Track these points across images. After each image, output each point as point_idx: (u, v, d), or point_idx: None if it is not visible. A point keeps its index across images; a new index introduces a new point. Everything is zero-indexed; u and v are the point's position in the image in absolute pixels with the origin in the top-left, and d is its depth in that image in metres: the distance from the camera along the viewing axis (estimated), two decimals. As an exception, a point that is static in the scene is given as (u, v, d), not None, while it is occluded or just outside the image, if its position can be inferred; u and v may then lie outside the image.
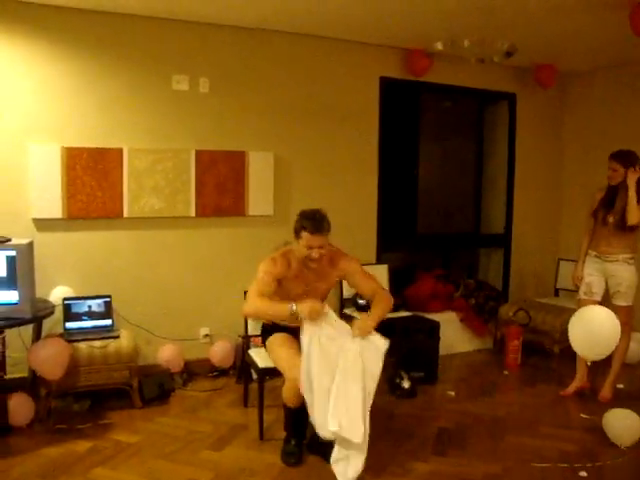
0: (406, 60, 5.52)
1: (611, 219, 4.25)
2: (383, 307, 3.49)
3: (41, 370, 3.73)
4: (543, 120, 6.52)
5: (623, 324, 4.22)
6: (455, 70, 5.65)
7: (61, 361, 3.75)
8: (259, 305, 3.33)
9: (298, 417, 3.46)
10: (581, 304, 4.39)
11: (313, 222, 3.28)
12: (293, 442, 3.49)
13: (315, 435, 3.09)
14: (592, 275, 4.40)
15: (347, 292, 5.18)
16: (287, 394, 3.43)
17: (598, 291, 4.38)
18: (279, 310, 3.30)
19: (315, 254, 3.30)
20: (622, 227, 4.20)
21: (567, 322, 4.78)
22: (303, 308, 3.20)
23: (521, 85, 6.28)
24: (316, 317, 3.22)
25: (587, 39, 5.03)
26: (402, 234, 6.29)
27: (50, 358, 3.71)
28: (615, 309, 4.28)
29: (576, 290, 4.58)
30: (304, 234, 3.28)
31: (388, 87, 5.57)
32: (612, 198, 4.29)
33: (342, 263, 3.54)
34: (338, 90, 5.33)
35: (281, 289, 3.46)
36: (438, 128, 6.68)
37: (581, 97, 6.43)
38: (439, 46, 3.61)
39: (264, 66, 4.98)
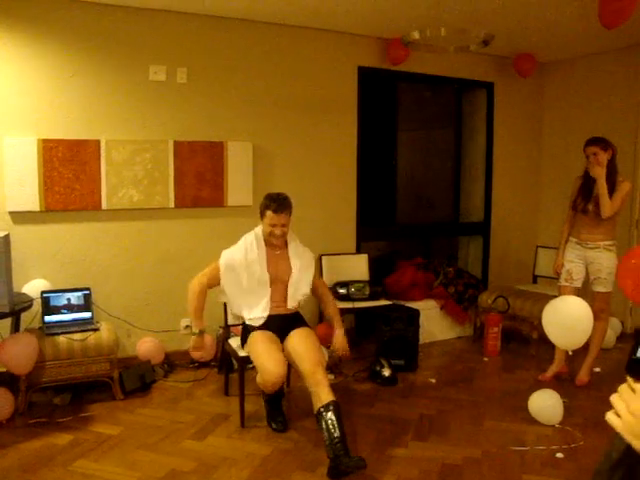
0: (384, 49, 5.53)
1: (591, 207, 4.29)
2: (335, 311, 3.87)
3: (8, 365, 3.70)
4: (521, 109, 6.57)
5: (601, 310, 4.29)
6: (433, 59, 5.67)
7: (29, 356, 3.71)
8: (194, 290, 3.68)
9: (277, 401, 3.77)
10: (561, 291, 4.47)
11: (277, 202, 3.62)
12: (277, 411, 3.72)
13: (336, 463, 3.07)
14: (572, 262, 4.45)
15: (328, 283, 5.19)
16: (263, 386, 3.54)
17: (578, 277, 4.43)
18: (193, 317, 3.70)
19: (278, 231, 3.64)
20: (599, 214, 4.25)
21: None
22: (192, 340, 3.70)
23: (499, 74, 6.32)
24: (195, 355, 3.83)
25: (565, 29, 5.09)
26: (381, 223, 6.33)
27: (18, 353, 3.68)
28: (594, 295, 4.36)
29: (556, 278, 4.63)
30: (268, 213, 3.62)
31: (366, 76, 5.58)
32: (590, 186, 4.33)
33: (305, 251, 3.91)
34: (317, 80, 5.33)
35: (250, 276, 3.68)
36: (416, 117, 6.72)
37: (559, 86, 6.49)
38: (415, 35, 3.61)
39: (242, 56, 4.96)
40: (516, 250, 6.62)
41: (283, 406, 3.86)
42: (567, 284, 4.46)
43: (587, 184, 4.36)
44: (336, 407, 3.17)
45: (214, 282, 3.72)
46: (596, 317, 4.22)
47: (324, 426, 3.10)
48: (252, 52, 5.00)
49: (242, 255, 3.70)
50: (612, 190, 4.20)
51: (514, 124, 6.52)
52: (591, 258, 4.35)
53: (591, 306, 3.87)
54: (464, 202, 6.74)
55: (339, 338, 3.73)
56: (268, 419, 3.77)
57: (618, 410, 0.98)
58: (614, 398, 1.00)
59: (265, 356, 3.44)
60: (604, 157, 4.21)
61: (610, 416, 1.00)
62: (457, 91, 6.56)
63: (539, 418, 3.79)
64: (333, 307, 3.88)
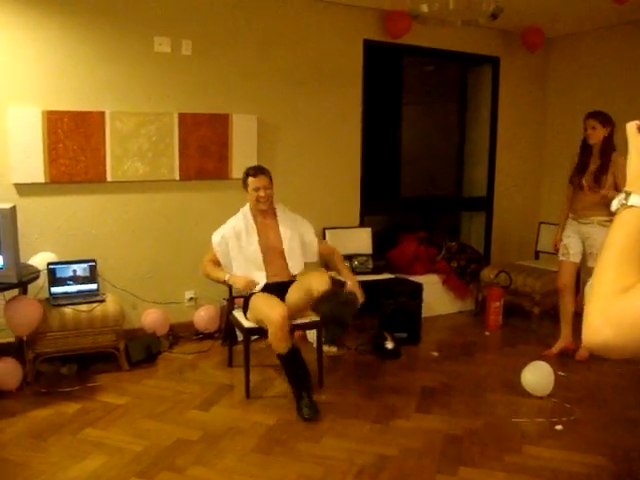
0: (386, 22, 5.47)
1: (585, 182, 4.31)
2: (341, 261, 4.18)
3: (11, 325, 3.77)
4: (527, 84, 6.53)
5: None
6: (439, 33, 5.62)
7: (31, 318, 3.77)
8: (205, 268, 3.99)
9: (295, 362, 3.63)
10: (560, 265, 4.55)
11: (253, 168, 3.94)
12: (305, 394, 3.57)
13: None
14: (569, 237, 4.48)
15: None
16: (274, 339, 3.55)
17: (575, 252, 4.47)
18: (217, 277, 3.93)
19: (262, 193, 3.85)
20: (595, 190, 4.25)
21: (548, 284, 4.91)
22: (238, 280, 3.81)
23: (505, 49, 6.26)
24: (252, 288, 3.80)
25: (574, 2, 5.03)
26: (385, 197, 6.34)
27: (19, 314, 3.74)
28: (588, 271, 4.40)
29: (556, 254, 4.67)
30: (249, 180, 3.89)
31: (371, 50, 5.53)
32: (586, 160, 4.35)
33: (296, 219, 4.09)
34: (322, 53, 5.29)
35: (243, 247, 3.92)
36: (421, 91, 6.67)
37: (566, 61, 6.44)
38: (424, 8, 3.58)
39: (247, 28, 4.92)
40: (518, 226, 6.63)
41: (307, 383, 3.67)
42: (564, 259, 4.52)
43: (583, 158, 4.38)
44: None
45: (216, 259, 3.97)
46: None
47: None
48: (258, 25, 4.96)
49: (231, 230, 3.94)
50: (607, 166, 4.21)
51: (519, 99, 6.49)
52: (585, 233, 4.38)
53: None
54: (467, 177, 6.73)
55: (354, 284, 3.91)
56: (297, 405, 3.56)
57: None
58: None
59: (267, 306, 3.62)
60: (601, 133, 4.23)
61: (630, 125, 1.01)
62: (462, 65, 6.52)
63: (530, 390, 3.85)
64: (340, 263, 4.12)
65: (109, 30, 4.43)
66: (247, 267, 3.89)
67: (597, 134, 4.24)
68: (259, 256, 3.90)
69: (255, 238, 3.92)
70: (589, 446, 3.19)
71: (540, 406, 3.71)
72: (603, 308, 0.88)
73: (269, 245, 3.93)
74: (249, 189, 3.90)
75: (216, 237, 3.96)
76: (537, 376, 3.86)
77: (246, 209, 4.01)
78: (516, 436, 3.32)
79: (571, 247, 4.47)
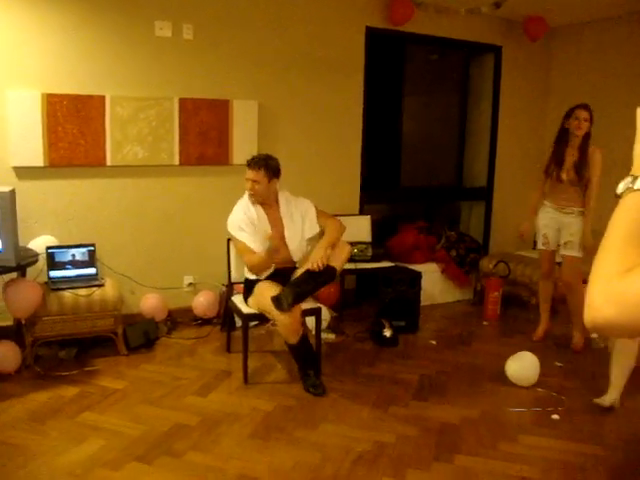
0: (388, 8, 5.43)
1: (565, 176, 4.36)
2: (330, 232, 3.88)
3: (10, 307, 3.77)
4: (529, 74, 6.50)
5: (577, 274, 4.36)
6: (441, 22, 5.58)
7: (30, 300, 3.77)
8: (253, 260, 3.76)
9: (304, 349, 3.71)
10: (540, 255, 4.68)
11: (254, 159, 3.83)
12: (311, 373, 3.68)
13: None
14: (547, 226, 4.54)
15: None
16: (284, 332, 3.62)
17: (553, 241, 4.55)
18: (262, 257, 3.72)
19: (249, 185, 3.81)
20: (576, 183, 4.34)
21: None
22: (272, 238, 3.69)
23: (508, 38, 6.23)
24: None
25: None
26: (385, 186, 6.32)
27: (19, 296, 3.74)
28: (564, 260, 4.45)
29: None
30: (246, 169, 3.84)
31: (374, 37, 5.50)
32: (562, 152, 4.37)
33: (298, 202, 4.01)
34: (324, 39, 5.25)
35: (255, 233, 3.82)
36: (423, 80, 6.64)
37: (568, 51, 6.40)
38: (427, -5, 3.56)
39: (249, 13, 4.88)
40: (518, 216, 6.59)
41: (314, 365, 3.78)
42: (544, 248, 4.59)
43: (560, 149, 4.40)
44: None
45: (250, 249, 3.79)
46: (570, 289, 4.41)
47: None
48: (259, 10, 4.92)
49: (243, 215, 3.84)
50: (587, 160, 4.28)
51: (521, 89, 6.46)
52: (566, 223, 4.43)
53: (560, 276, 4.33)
54: (468, 167, 6.72)
55: (315, 250, 3.79)
56: (304, 385, 3.71)
57: None
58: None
59: (272, 293, 3.57)
60: (588, 125, 4.29)
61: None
62: (465, 55, 6.48)
63: (515, 381, 3.87)
64: (328, 233, 3.89)
65: (110, 14, 4.40)
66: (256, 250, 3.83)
67: (586, 126, 4.26)
68: (270, 243, 3.81)
69: (268, 226, 3.85)
70: (585, 436, 3.20)
71: (537, 396, 3.73)
72: (605, 288, 0.88)
73: (275, 233, 3.85)
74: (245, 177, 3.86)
75: (230, 222, 3.85)
76: (521, 366, 3.89)
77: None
78: (512, 425, 3.34)
79: (550, 237, 4.54)
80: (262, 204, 3.90)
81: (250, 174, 3.80)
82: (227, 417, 3.34)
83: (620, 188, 0.97)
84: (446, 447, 3.07)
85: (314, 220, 3.95)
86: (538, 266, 5.27)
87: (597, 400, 3.50)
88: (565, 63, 6.44)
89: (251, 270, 3.83)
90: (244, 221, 3.80)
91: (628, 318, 0.86)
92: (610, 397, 3.47)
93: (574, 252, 4.40)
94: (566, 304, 4.73)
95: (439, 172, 6.86)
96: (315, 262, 3.64)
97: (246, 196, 3.91)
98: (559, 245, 4.51)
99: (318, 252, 3.73)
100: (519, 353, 3.96)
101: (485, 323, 5.26)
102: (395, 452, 3.01)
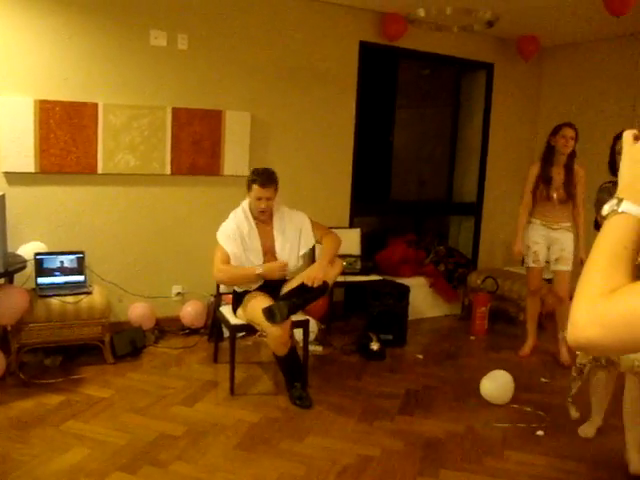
0: (382, 24, 5.48)
1: (555, 195, 4.44)
2: (329, 248, 3.85)
3: None
4: (520, 92, 6.57)
5: (565, 291, 4.43)
6: (435, 38, 5.63)
7: (17, 306, 3.74)
8: (228, 271, 3.74)
9: (292, 361, 3.72)
10: (531, 272, 4.67)
11: (263, 175, 3.72)
12: (298, 385, 3.69)
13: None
14: (537, 243, 4.58)
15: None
16: (273, 344, 3.62)
17: (543, 258, 4.60)
18: (245, 274, 3.74)
19: (263, 204, 3.73)
20: (565, 201, 4.44)
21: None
22: (273, 267, 3.72)
23: (500, 56, 6.30)
24: (284, 273, 3.75)
25: (570, 12, 5.06)
26: (375, 199, 6.35)
27: (5, 302, 3.70)
28: (557, 275, 4.52)
29: (520, 261, 4.84)
30: (254, 186, 3.71)
31: (367, 51, 5.55)
32: (548, 171, 4.44)
33: (293, 216, 3.96)
34: (318, 53, 5.29)
35: (245, 248, 3.78)
36: (415, 95, 6.70)
37: (559, 71, 6.48)
38: (421, 13, 3.61)
39: (244, 26, 4.91)
40: (507, 232, 6.65)
41: (302, 376, 3.80)
42: (535, 265, 4.61)
43: (546, 169, 4.46)
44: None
45: (228, 260, 3.77)
46: (562, 301, 4.41)
47: None
48: (254, 22, 4.95)
49: (235, 227, 3.79)
50: (573, 178, 4.40)
51: (512, 107, 6.53)
52: (556, 239, 4.51)
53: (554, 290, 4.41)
54: (458, 182, 6.76)
55: (315, 266, 3.76)
56: (291, 397, 3.71)
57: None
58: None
59: (264, 305, 3.57)
60: (574, 145, 4.38)
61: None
62: (457, 71, 6.55)
63: (489, 399, 3.87)
64: (325, 247, 3.87)
65: (105, 22, 4.41)
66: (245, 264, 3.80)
67: (572, 145, 4.36)
68: (261, 260, 3.80)
69: (258, 241, 3.82)
70: (569, 452, 3.22)
71: (522, 411, 3.74)
72: (590, 308, 0.90)
73: (266, 248, 3.85)
74: (252, 194, 3.74)
75: (221, 231, 3.81)
76: (495, 385, 3.89)
77: (246, 208, 3.87)
78: (497, 441, 3.35)
79: (540, 254, 4.58)
80: (257, 218, 3.86)
81: (264, 192, 3.70)
82: (213, 428, 3.33)
83: (605, 210, 0.99)
84: (431, 462, 3.08)
85: (310, 233, 3.91)
86: (526, 283, 5.31)
87: (582, 432, 3.43)
88: (556, 82, 6.52)
89: (215, 278, 3.87)
90: (234, 232, 3.77)
91: (612, 339, 0.88)
92: (591, 429, 3.42)
93: (567, 267, 4.46)
94: (553, 320, 4.76)
95: (429, 186, 6.91)
96: (314, 279, 3.62)
97: (240, 209, 3.86)
98: (548, 262, 4.56)
99: (319, 268, 3.70)
100: (493, 372, 3.97)
101: (472, 338, 5.28)
102: (380, 466, 3.01)
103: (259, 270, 3.69)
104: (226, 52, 4.87)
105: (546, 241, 4.55)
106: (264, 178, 3.71)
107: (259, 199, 3.72)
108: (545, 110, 6.64)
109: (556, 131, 4.42)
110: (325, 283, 3.69)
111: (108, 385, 3.83)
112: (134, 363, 4.25)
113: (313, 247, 4.07)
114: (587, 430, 3.42)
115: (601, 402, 3.38)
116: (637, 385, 2.94)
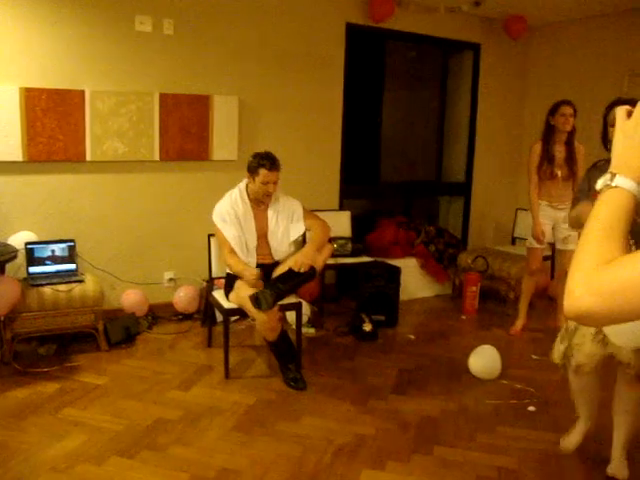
0: (369, 5, 5.45)
1: (559, 173, 4.46)
2: (318, 235, 3.90)
3: None
4: (507, 72, 6.57)
5: None
6: (421, 18, 5.63)
7: (9, 296, 3.73)
8: (228, 260, 3.81)
9: (283, 345, 3.77)
10: (532, 253, 4.68)
11: (269, 159, 3.76)
12: (292, 367, 3.75)
13: None
14: (545, 224, 4.60)
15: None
16: (262, 329, 3.66)
17: (548, 239, 4.64)
18: (238, 269, 3.76)
19: (271, 188, 3.77)
20: (568, 178, 4.46)
21: (524, 269, 4.99)
22: (250, 275, 3.69)
23: (487, 36, 6.29)
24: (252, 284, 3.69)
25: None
26: (365, 181, 6.36)
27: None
28: (564, 255, 4.53)
29: (540, 243, 4.65)
30: (262, 171, 3.73)
31: (354, 33, 5.53)
32: (551, 149, 4.46)
33: (287, 202, 4.00)
34: (305, 35, 5.27)
35: (239, 229, 3.82)
36: (402, 77, 6.69)
37: (546, 50, 6.48)
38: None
39: (230, 10, 4.87)
40: (496, 212, 6.71)
41: (295, 360, 3.83)
42: (538, 246, 4.63)
43: (548, 147, 4.48)
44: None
45: (232, 249, 3.82)
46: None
47: None
48: (240, 5, 4.91)
49: (230, 208, 3.82)
50: (573, 154, 4.44)
51: (499, 87, 6.53)
52: (562, 218, 4.50)
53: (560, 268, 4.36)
54: (447, 163, 6.78)
55: (302, 251, 3.79)
56: (285, 379, 3.75)
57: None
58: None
59: (250, 292, 3.59)
60: (574, 122, 4.40)
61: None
62: (444, 52, 6.53)
63: (478, 375, 3.95)
64: (315, 235, 3.91)
65: (90, 7, 4.36)
66: (241, 250, 3.83)
67: (572, 122, 4.36)
68: (255, 242, 3.85)
69: (253, 225, 3.85)
70: (560, 426, 3.27)
71: (513, 388, 3.80)
72: (585, 279, 0.94)
73: (260, 231, 3.89)
74: (258, 179, 3.75)
75: (216, 211, 3.85)
76: (483, 362, 3.96)
77: (243, 189, 3.89)
78: (490, 417, 3.41)
79: (547, 234, 4.60)
80: (252, 201, 3.89)
81: (271, 176, 3.75)
82: (209, 411, 3.36)
83: (599, 184, 1.03)
84: (425, 439, 3.13)
85: (301, 220, 3.95)
86: (516, 261, 5.37)
87: (563, 444, 3.01)
88: (543, 61, 6.52)
89: (228, 264, 3.87)
90: (229, 213, 3.80)
91: (608, 308, 0.91)
92: (575, 438, 2.98)
93: (574, 246, 4.46)
94: (544, 299, 4.81)
95: (418, 167, 6.92)
96: (301, 264, 3.66)
97: (237, 190, 3.89)
98: (554, 241, 4.58)
99: (306, 254, 3.74)
100: (479, 347, 4.03)
101: (463, 317, 5.33)
102: (375, 444, 3.06)
103: (242, 268, 3.73)
104: (212, 37, 4.84)
105: (551, 221, 4.58)
106: (271, 162, 3.76)
107: (266, 183, 3.75)
108: (533, 89, 6.65)
109: (555, 110, 4.42)
110: (312, 268, 3.72)
111: (103, 372, 3.85)
112: (128, 350, 4.26)
113: (304, 234, 4.08)
114: (569, 441, 2.97)
115: (590, 403, 2.93)
116: (625, 380, 2.73)
